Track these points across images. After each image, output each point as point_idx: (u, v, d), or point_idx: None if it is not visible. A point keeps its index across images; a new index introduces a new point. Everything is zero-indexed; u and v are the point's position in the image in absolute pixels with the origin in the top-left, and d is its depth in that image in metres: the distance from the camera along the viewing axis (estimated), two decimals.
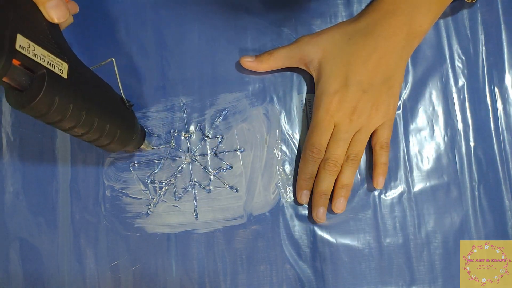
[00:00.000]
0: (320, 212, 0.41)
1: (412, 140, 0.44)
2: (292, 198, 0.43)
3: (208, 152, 0.43)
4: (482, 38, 0.45)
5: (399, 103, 0.44)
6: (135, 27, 0.44)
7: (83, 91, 0.32)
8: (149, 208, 0.42)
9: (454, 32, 0.46)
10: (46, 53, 0.29)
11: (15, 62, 0.27)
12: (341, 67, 0.41)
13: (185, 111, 0.43)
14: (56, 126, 0.31)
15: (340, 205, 0.42)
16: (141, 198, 0.42)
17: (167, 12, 0.45)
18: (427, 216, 0.43)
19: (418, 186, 0.44)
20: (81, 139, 0.34)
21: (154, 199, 0.42)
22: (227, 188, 0.43)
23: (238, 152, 0.43)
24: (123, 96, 0.37)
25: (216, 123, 0.43)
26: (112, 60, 0.37)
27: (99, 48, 0.44)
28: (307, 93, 0.44)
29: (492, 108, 0.45)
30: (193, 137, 0.43)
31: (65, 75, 0.30)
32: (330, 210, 0.42)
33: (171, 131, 0.43)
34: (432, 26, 0.42)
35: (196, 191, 0.43)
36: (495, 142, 0.44)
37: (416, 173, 0.44)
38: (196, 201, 0.42)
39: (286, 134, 0.44)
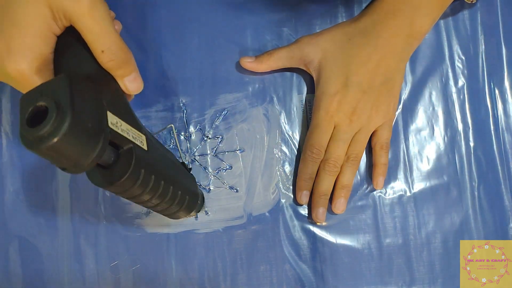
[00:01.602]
0: (320, 213, 0.41)
1: (412, 140, 0.44)
2: (292, 198, 0.43)
3: (208, 152, 0.43)
4: (482, 38, 0.45)
5: (399, 103, 0.44)
6: (135, 27, 0.44)
7: (159, 161, 0.32)
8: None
9: (454, 32, 0.45)
10: (129, 127, 0.28)
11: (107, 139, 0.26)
12: (341, 68, 0.41)
13: (185, 111, 0.43)
14: (134, 199, 0.30)
15: (340, 205, 0.42)
16: None
17: (167, 12, 0.45)
18: (427, 216, 0.43)
19: (418, 186, 0.44)
20: (151, 209, 0.33)
21: None
22: (227, 188, 0.43)
23: (238, 152, 0.43)
24: (184, 160, 0.37)
25: (216, 123, 0.43)
26: (172, 126, 0.38)
27: None
28: (307, 93, 0.44)
29: (492, 108, 0.45)
30: (193, 137, 0.43)
31: (145, 147, 0.30)
32: (330, 211, 0.42)
33: (171, 131, 0.43)
34: (432, 27, 0.42)
35: None
36: (495, 142, 0.44)
37: (416, 173, 0.44)
38: None
39: (286, 134, 0.44)
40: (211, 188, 0.43)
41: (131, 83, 0.31)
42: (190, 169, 0.38)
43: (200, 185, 0.43)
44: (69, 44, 0.30)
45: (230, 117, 0.44)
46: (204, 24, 0.45)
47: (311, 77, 0.43)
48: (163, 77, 0.44)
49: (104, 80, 0.30)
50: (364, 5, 0.45)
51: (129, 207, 0.42)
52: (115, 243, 0.42)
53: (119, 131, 0.27)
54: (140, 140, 0.29)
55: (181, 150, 0.43)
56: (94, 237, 0.42)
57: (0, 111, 0.44)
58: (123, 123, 0.28)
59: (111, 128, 0.26)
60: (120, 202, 0.42)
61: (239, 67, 0.44)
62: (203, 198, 0.40)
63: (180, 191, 0.34)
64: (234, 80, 0.44)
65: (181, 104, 0.44)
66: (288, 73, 0.45)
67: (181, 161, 0.37)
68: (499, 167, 0.44)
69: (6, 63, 0.28)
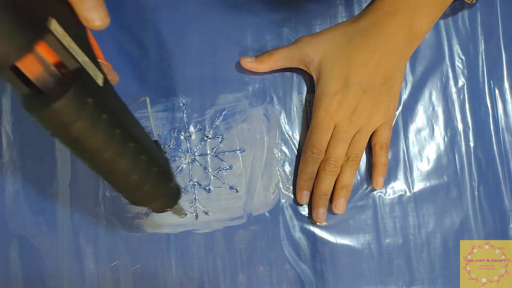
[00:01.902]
0: (320, 213, 0.41)
1: (412, 140, 0.44)
2: (292, 198, 0.43)
3: (208, 152, 0.43)
4: (482, 38, 0.45)
5: (399, 103, 0.44)
6: (135, 27, 0.44)
7: (118, 107, 0.26)
8: (149, 208, 0.42)
9: (454, 32, 0.45)
10: (81, 53, 0.24)
11: (43, 46, 0.21)
12: (341, 68, 0.41)
13: (185, 111, 0.43)
14: (80, 148, 0.24)
15: (340, 205, 0.42)
16: None
17: (167, 12, 0.45)
18: (427, 216, 0.43)
19: (418, 186, 0.44)
20: (104, 178, 0.27)
21: None
22: (227, 188, 0.43)
23: (238, 152, 0.43)
24: (157, 138, 0.31)
25: (216, 123, 0.43)
26: (146, 99, 0.33)
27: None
28: (307, 93, 0.44)
29: (492, 108, 0.45)
30: (193, 137, 0.43)
31: (100, 82, 0.25)
32: (330, 211, 0.42)
33: (171, 131, 0.43)
34: (432, 27, 0.42)
35: (196, 191, 0.43)
36: (494, 142, 0.44)
37: (416, 173, 0.44)
38: (196, 201, 0.42)
39: (286, 134, 0.44)
40: (211, 188, 0.43)
41: (88, 11, 0.25)
42: (165, 152, 0.32)
43: (200, 185, 0.43)
44: None
45: (230, 117, 0.44)
46: (204, 24, 0.45)
47: (311, 77, 0.43)
48: (163, 77, 0.44)
49: (61, 6, 0.24)
50: (364, 5, 0.45)
51: (130, 207, 0.42)
52: (115, 243, 0.42)
53: (64, 43, 0.22)
54: (94, 73, 0.24)
55: (180, 149, 0.43)
56: (94, 237, 0.42)
57: (0, 111, 0.44)
58: (74, 44, 0.23)
59: (52, 33, 0.21)
60: (120, 202, 0.42)
61: (239, 67, 0.44)
62: (179, 191, 0.33)
63: (145, 156, 0.27)
64: (234, 80, 0.44)
65: (181, 104, 0.44)
66: (288, 73, 0.45)
67: (154, 138, 0.31)
68: (499, 167, 0.44)
69: None
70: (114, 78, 0.33)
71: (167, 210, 0.33)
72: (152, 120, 0.34)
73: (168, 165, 0.32)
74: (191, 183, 0.43)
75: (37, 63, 0.22)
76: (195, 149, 0.43)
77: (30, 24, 0.20)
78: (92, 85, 0.24)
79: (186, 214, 0.36)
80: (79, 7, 0.25)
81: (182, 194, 0.40)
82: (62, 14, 0.23)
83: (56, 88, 0.22)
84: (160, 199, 0.31)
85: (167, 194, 0.31)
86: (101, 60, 0.31)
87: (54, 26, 0.22)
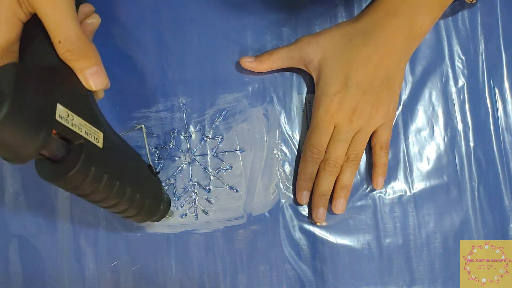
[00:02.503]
0: (320, 213, 0.41)
1: (412, 140, 0.44)
2: (292, 198, 0.43)
3: (208, 152, 0.43)
4: (482, 38, 0.45)
5: (399, 103, 0.44)
6: (135, 27, 0.44)
7: (116, 160, 0.31)
8: None
9: (454, 32, 0.45)
10: (83, 122, 0.28)
11: (53, 132, 0.26)
12: (341, 68, 0.41)
13: (185, 111, 0.43)
14: (88, 198, 0.30)
15: (340, 205, 0.42)
16: None
17: (167, 12, 0.45)
18: (427, 216, 0.43)
19: (418, 186, 0.44)
20: (108, 210, 0.33)
21: None
22: (227, 188, 0.43)
23: (238, 152, 0.43)
24: (151, 163, 0.36)
25: (216, 123, 0.43)
26: (142, 127, 0.38)
27: (98, 48, 0.44)
28: (307, 93, 0.44)
29: (492, 108, 0.45)
30: (193, 137, 0.43)
31: (100, 144, 0.29)
32: (330, 211, 0.42)
33: (171, 131, 0.43)
34: (432, 27, 0.42)
35: (196, 191, 0.43)
36: (494, 142, 0.44)
37: (416, 173, 0.44)
38: (196, 201, 0.42)
39: (286, 134, 0.44)
40: (211, 188, 0.43)
41: (91, 77, 0.29)
42: (158, 172, 0.37)
43: (200, 185, 0.43)
44: (35, 32, 0.29)
45: (230, 117, 0.44)
46: (204, 24, 0.45)
47: (311, 77, 0.43)
48: (163, 77, 0.44)
49: (64, 72, 0.29)
50: (364, 5, 0.45)
51: None
52: (115, 243, 0.42)
53: (69, 125, 0.27)
54: (96, 137, 0.29)
55: (180, 149, 0.43)
56: (94, 237, 0.42)
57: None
58: (77, 117, 0.27)
59: (59, 121, 0.26)
60: None
61: (239, 67, 0.44)
62: (169, 203, 0.39)
63: (139, 194, 0.33)
64: (234, 80, 0.44)
65: (181, 104, 0.44)
66: (288, 73, 0.45)
67: (148, 163, 0.36)
68: (499, 167, 0.44)
69: None
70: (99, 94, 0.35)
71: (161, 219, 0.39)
72: (147, 146, 0.38)
73: (159, 188, 0.37)
74: (191, 183, 0.43)
75: (51, 145, 0.26)
76: (195, 149, 0.43)
77: (41, 125, 0.24)
78: (94, 153, 0.28)
79: (173, 213, 0.41)
80: (81, 74, 0.29)
81: (182, 195, 0.42)
82: (65, 90, 0.27)
83: (65, 161, 0.27)
84: (156, 217, 0.37)
85: (159, 212, 0.37)
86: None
87: (59, 112, 0.26)
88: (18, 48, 0.29)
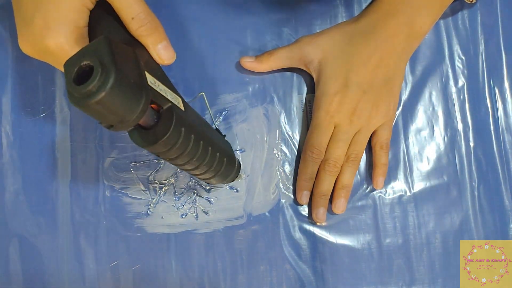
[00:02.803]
0: (320, 213, 0.41)
1: (412, 140, 0.44)
2: (292, 198, 0.43)
3: None
4: (482, 38, 0.45)
5: (399, 103, 0.44)
6: None
7: (196, 122, 0.32)
8: (149, 208, 0.42)
9: (454, 32, 0.45)
10: (166, 88, 0.29)
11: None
12: (341, 68, 0.41)
13: (210, 108, 0.43)
14: (176, 161, 0.31)
15: (340, 205, 0.42)
16: (141, 198, 0.42)
17: (167, 12, 0.45)
18: (427, 216, 0.43)
19: (418, 186, 0.44)
20: (190, 172, 0.34)
21: (154, 199, 0.42)
22: (227, 188, 0.43)
23: (238, 152, 0.43)
24: (217, 127, 0.38)
25: (216, 123, 0.43)
26: (203, 94, 0.39)
27: None
28: (307, 93, 0.44)
29: (492, 108, 0.45)
30: None
31: (182, 108, 0.31)
32: (330, 211, 0.42)
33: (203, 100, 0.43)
34: (432, 27, 0.42)
35: (196, 191, 0.43)
36: (495, 142, 0.44)
37: (416, 173, 0.44)
38: (196, 201, 0.42)
39: (286, 134, 0.44)
40: (211, 188, 0.43)
41: (163, 51, 0.31)
42: (224, 135, 0.39)
43: (200, 185, 0.43)
44: (102, 17, 0.31)
45: (230, 117, 0.44)
46: (204, 24, 0.45)
47: (311, 77, 0.43)
48: None
49: (137, 47, 0.31)
50: (364, 5, 0.45)
51: (129, 207, 0.42)
52: (115, 243, 0.42)
53: (158, 90, 0.28)
54: (177, 102, 0.30)
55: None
56: (94, 237, 0.42)
57: (0, 111, 0.44)
58: (160, 84, 0.29)
59: (151, 86, 0.27)
60: (120, 202, 0.42)
61: (239, 67, 0.44)
62: (240, 165, 0.40)
63: (219, 152, 0.34)
64: (234, 80, 0.44)
65: (207, 102, 0.43)
66: (288, 73, 0.45)
67: (215, 127, 0.38)
68: (499, 167, 0.44)
69: (45, 38, 0.30)
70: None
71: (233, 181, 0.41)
72: (210, 111, 0.40)
73: (231, 149, 0.39)
74: (191, 183, 0.43)
75: (147, 112, 0.27)
76: None
77: (141, 92, 0.25)
78: (181, 115, 0.29)
79: (241, 177, 0.42)
80: (153, 49, 0.31)
81: (182, 195, 0.42)
82: (145, 61, 0.29)
83: (158, 126, 0.28)
84: (230, 176, 0.38)
85: (234, 171, 0.38)
86: None
87: (149, 79, 0.28)
88: (87, 34, 0.32)
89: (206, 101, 0.40)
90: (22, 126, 0.43)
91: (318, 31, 0.44)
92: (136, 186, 0.43)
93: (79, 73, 0.24)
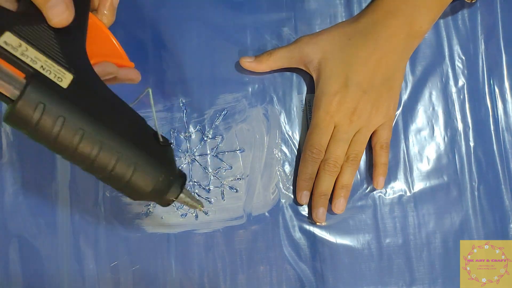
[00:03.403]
0: (320, 213, 0.41)
1: (412, 140, 0.44)
2: (292, 198, 0.43)
3: (208, 152, 0.43)
4: (482, 38, 0.45)
5: (399, 103, 0.44)
6: (134, 27, 0.44)
7: (85, 108, 0.27)
8: (148, 208, 0.42)
9: (454, 32, 0.45)
10: (42, 57, 0.27)
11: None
12: (341, 68, 0.40)
13: (184, 111, 0.43)
14: (53, 146, 0.28)
15: (340, 205, 0.42)
16: None
17: (167, 12, 0.45)
18: (427, 216, 0.43)
19: (418, 186, 0.44)
20: (89, 172, 0.29)
21: None
22: (227, 188, 0.43)
23: (238, 152, 0.43)
24: (157, 131, 0.31)
25: (216, 123, 0.43)
26: (149, 90, 0.33)
27: None
28: (307, 93, 0.44)
29: (492, 108, 0.45)
30: (193, 137, 0.43)
31: (64, 84, 0.27)
32: (330, 211, 0.42)
33: (171, 131, 0.43)
34: (432, 26, 0.42)
35: (196, 191, 0.43)
36: (495, 142, 0.44)
37: (416, 173, 0.44)
38: None
39: (286, 134, 0.44)
40: (211, 188, 0.43)
41: (51, 10, 0.27)
42: (167, 141, 0.31)
43: (200, 185, 0.43)
44: None
45: (230, 117, 0.44)
46: (204, 24, 0.45)
47: (311, 77, 0.43)
48: (163, 77, 0.44)
49: (31, 14, 0.28)
50: (364, 5, 0.45)
51: (129, 208, 0.42)
52: (115, 244, 0.42)
53: (17, 54, 0.26)
54: (58, 76, 0.27)
55: (180, 149, 0.42)
56: (93, 238, 0.42)
57: (0, 111, 0.44)
58: (32, 50, 0.26)
59: (2, 47, 0.25)
60: (119, 202, 0.42)
61: (239, 67, 0.44)
62: (183, 181, 0.31)
63: (120, 155, 0.28)
64: (234, 80, 0.44)
65: (181, 104, 0.44)
66: (288, 73, 0.45)
67: (154, 130, 0.31)
68: (499, 167, 0.44)
69: None
70: (136, 77, 0.35)
71: (172, 202, 0.31)
72: (154, 111, 0.33)
73: (164, 159, 0.30)
74: (191, 183, 0.43)
75: None
76: (195, 149, 0.43)
77: None
78: (50, 88, 0.26)
79: (202, 206, 0.33)
80: (43, 8, 0.27)
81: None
82: (23, 21, 0.27)
83: (18, 97, 0.25)
84: (148, 189, 0.29)
85: (160, 184, 0.29)
86: (123, 60, 0.35)
87: (6, 39, 0.25)
88: None
89: (151, 99, 0.33)
90: None
91: (317, 31, 0.44)
92: None
93: None
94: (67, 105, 0.27)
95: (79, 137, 0.27)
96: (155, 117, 0.33)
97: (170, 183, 0.30)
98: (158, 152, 0.30)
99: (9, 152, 0.43)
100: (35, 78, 0.26)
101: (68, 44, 0.29)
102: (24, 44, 0.26)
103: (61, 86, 0.27)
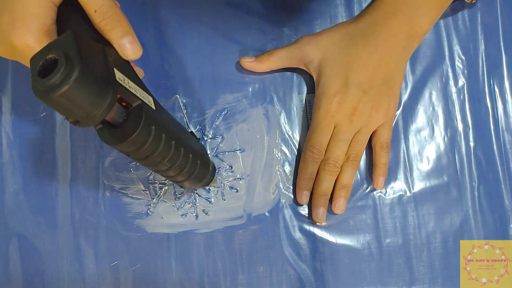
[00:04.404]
0: (320, 213, 0.41)
1: (412, 140, 0.44)
2: (292, 198, 0.43)
3: (208, 152, 0.43)
4: (482, 38, 0.45)
5: (399, 103, 0.44)
6: (135, 27, 0.44)
7: (168, 122, 0.32)
8: (149, 208, 0.42)
9: (454, 32, 0.45)
10: (136, 86, 0.29)
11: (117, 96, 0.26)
12: (341, 68, 0.41)
13: (185, 111, 0.43)
14: (146, 161, 0.30)
15: (340, 205, 0.42)
16: (141, 198, 0.42)
17: (167, 12, 0.45)
18: (427, 216, 0.43)
19: (418, 186, 0.44)
20: (163, 175, 0.34)
21: (154, 199, 0.42)
22: (227, 188, 0.43)
23: (238, 152, 0.43)
24: (192, 130, 0.38)
25: (216, 123, 0.43)
26: (177, 97, 0.39)
27: None
28: (307, 93, 0.44)
29: (492, 108, 0.45)
30: None
31: (153, 107, 0.30)
32: (330, 211, 0.42)
33: (177, 103, 0.43)
34: (432, 26, 0.42)
35: (196, 191, 0.43)
36: (495, 142, 0.44)
37: (416, 173, 0.44)
38: (196, 201, 0.42)
39: (286, 134, 0.44)
40: (211, 188, 0.43)
41: (127, 45, 0.30)
42: (199, 139, 0.38)
43: None
44: (70, 13, 0.30)
45: (230, 117, 0.44)
46: (204, 24, 0.45)
47: (311, 77, 0.43)
48: (163, 77, 0.44)
49: (107, 44, 0.30)
50: (364, 5, 0.45)
51: (129, 207, 0.42)
52: (115, 243, 0.42)
53: (127, 87, 0.28)
54: (148, 100, 0.30)
55: (188, 122, 0.43)
56: (94, 237, 0.42)
57: (0, 111, 0.44)
58: (130, 81, 0.28)
59: (119, 83, 0.27)
60: (120, 202, 0.42)
61: (239, 67, 0.44)
62: (215, 168, 0.39)
63: (192, 154, 0.34)
64: (234, 80, 0.44)
65: (182, 104, 0.44)
66: (288, 73, 0.45)
67: (190, 130, 0.37)
68: (499, 167, 0.44)
69: (12, 36, 0.29)
70: (140, 73, 0.36)
71: (208, 186, 0.40)
72: (185, 114, 0.39)
73: (205, 152, 0.38)
74: None
75: (114, 109, 0.27)
76: None
77: (107, 86, 0.25)
78: (151, 113, 0.29)
79: (216, 181, 0.41)
80: (117, 44, 0.30)
81: (182, 195, 0.43)
82: (115, 58, 0.29)
83: (127, 123, 0.28)
84: (204, 180, 0.37)
85: (208, 175, 0.38)
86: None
87: (118, 75, 0.27)
88: (56, 31, 0.31)
89: (180, 103, 0.40)
90: (22, 126, 0.43)
91: (318, 31, 0.44)
92: (136, 186, 0.43)
93: (44, 67, 0.24)
94: (162, 124, 0.30)
95: (172, 147, 0.31)
96: (186, 119, 0.39)
97: (214, 169, 0.39)
98: (201, 146, 0.38)
99: (10, 152, 0.43)
100: (142, 107, 0.28)
101: (132, 70, 0.31)
102: (125, 78, 0.28)
103: (153, 109, 0.30)
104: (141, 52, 0.31)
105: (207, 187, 0.42)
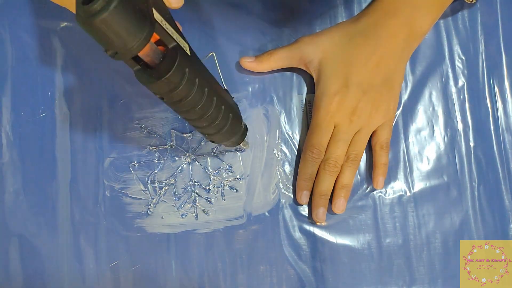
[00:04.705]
0: (320, 213, 0.41)
1: (412, 140, 0.44)
2: (292, 198, 0.43)
3: (208, 152, 0.43)
4: (482, 38, 0.45)
5: (399, 103, 0.44)
6: None
7: (202, 70, 0.33)
8: (149, 208, 0.42)
9: (454, 32, 0.45)
10: (173, 30, 0.30)
11: (154, 34, 0.27)
12: (341, 68, 0.41)
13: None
14: (178, 106, 0.31)
15: (340, 205, 0.42)
16: (141, 198, 0.42)
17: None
18: (427, 216, 0.43)
19: (418, 186, 0.44)
20: (194, 124, 0.34)
21: (154, 199, 0.42)
22: (227, 188, 0.43)
23: (238, 152, 0.43)
24: (226, 87, 0.38)
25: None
26: (213, 54, 0.39)
27: (99, 47, 0.44)
28: (307, 93, 0.44)
29: (492, 108, 0.45)
30: (193, 137, 0.43)
31: (188, 52, 0.31)
32: (330, 211, 0.42)
33: (171, 131, 0.43)
34: (432, 27, 0.42)
35: (196, 191, 0.43)
36: (495, 142, 0.44)
37: (416, 173, 0.44)
38: (196, 201, 0.42)
39: (286, 134, 0.44)
40: (211, 188, 0.43)
41: None
42: (233, 97, 0.38)
43: (200, 184, 0.43)
44: None
45: None
46: (204, 24, 0.45)
47: (311, 77, 0.43)
48: None
49: None
50: (364, 5, 0.45)
51: (129, 207, 0.42)
52: (115, 243, 0.42)
53: (164, 28, 0.28)
54: (184, 46, 0.30)
55: (180, 149, 0.43)
56: (94, 237, 0.42)
57: (0, 111, 0.44)
58: (168, 25, 0.29)
59: (157, 21, 0.27)
60: (120, 202, 0.42)
61: (239, 67, 0.44)
62: (247, 129, 0.39)
63: (224, 106, 0.34)
64: (234, 80, 0.44)
65: (217, 62, 0.43)
66: (288, 73, 0.45)
67: (224, 88, 0.37)
68: (499, 167, 0.44)
69: None
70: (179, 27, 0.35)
71: (238, 145, 0.39)
72: (220, 72, 0.39)
73: (238, 109, 0.38)
74: (191, 183, 0.43)
75: (148, 48, 0.27)
76: (195, 149, 0.43)
77: (145, 20, 0.25)
78: (186, 57, 0.30)
79: (247, 144, 0.41)
80: None
81: (182, 195, 0.42)
82: (155, 1, 0.29)
83: (162, 63, 0.28)
84: (235, 137, 0.37)
85: (239, 132, 0.38)
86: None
87: (156, 15, 0.27)
88: None
89: (216, 61, 0.39)
90: (22, 126, 0.43)
91: (318, 31, 0.44)
92: (136, 186, 0.43)
93: None
94: (197, 69, 0.31)
95: (205, 95, 0.31)
96: (221, 77, 0.39)
97: (246, 129, 0.39)
98: (235, 102, 0.38)
99: (9, 152, 0.43)
100: (178, 49, 0.29)
101: (172, 18, 0.32)
102: (164, 20, 0.28)
103: (188, 54, 0.30)
104: (183, 3, 0.31)
105: (236, 148, 0.42)
